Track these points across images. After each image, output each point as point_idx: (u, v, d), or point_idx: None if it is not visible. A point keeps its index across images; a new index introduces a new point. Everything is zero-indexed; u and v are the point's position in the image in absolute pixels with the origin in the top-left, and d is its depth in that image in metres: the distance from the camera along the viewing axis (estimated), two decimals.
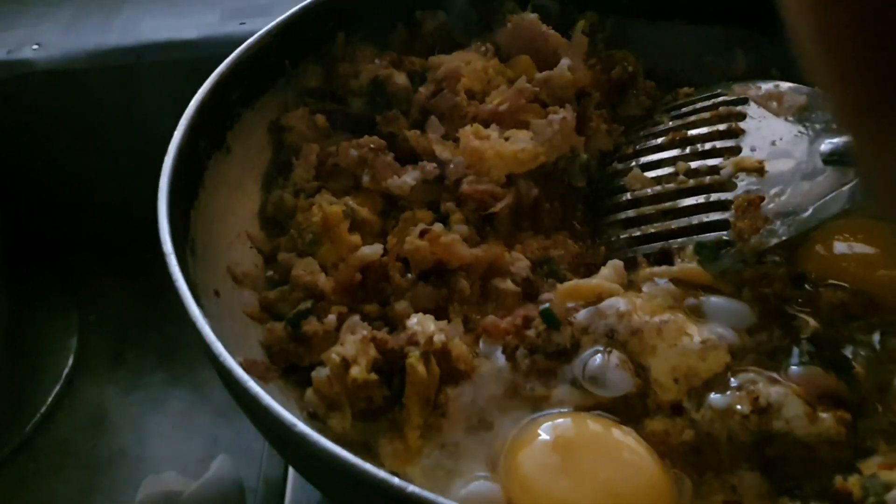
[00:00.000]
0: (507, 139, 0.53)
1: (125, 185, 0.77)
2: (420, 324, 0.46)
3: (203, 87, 0.49)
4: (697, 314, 0.46)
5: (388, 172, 0.53)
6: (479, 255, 0.50)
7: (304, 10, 0.55)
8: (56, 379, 0.74)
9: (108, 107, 0.74)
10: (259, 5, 0.74)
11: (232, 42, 0.69)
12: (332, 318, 0.47)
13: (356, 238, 0.51)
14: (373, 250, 0.50)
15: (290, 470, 0.60)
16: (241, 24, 0.72)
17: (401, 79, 0.57)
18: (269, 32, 0.53)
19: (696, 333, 0.44)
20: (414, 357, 0.44)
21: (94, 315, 0.79)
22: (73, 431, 0.71)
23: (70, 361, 0.75)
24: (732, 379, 0.43)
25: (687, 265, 0.47)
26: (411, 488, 0.31)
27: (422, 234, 0.50)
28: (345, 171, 0.54)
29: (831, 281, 0.48)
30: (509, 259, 0.51)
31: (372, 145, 0.54)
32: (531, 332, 0.46)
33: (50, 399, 0.72)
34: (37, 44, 0.74)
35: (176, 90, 0.71)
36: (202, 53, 0.71)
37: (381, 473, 0.31)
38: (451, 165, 0.53)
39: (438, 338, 0.45)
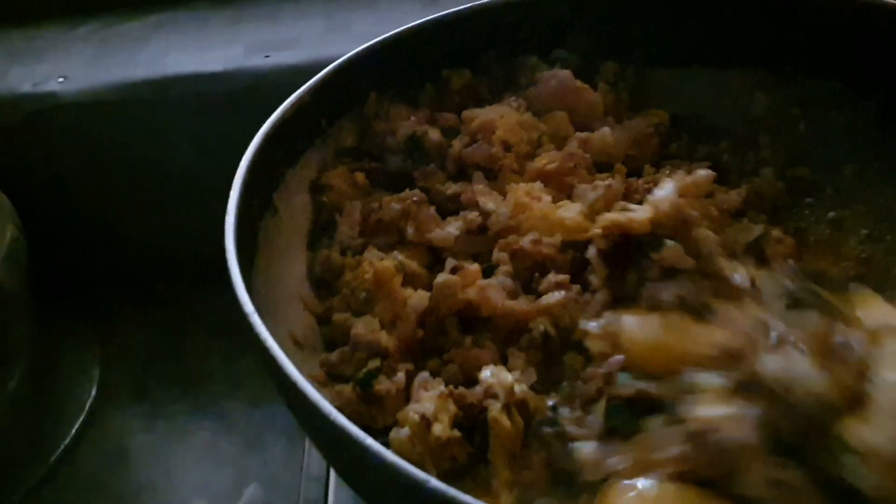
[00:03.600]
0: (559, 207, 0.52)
1: (149, 218, 0.76)
2: (495, 375, 0.44)
3: (251, 146, 0.47)
4: None
5: (431, 224, 0.53)
6: (514, 307, 0.47)
7: (337, 70, 0.55)
8: (79, 410, 0.72)
9: (134, 139, 0.73)
10: (283, 39, 0.75)
11: (257, 75, 0.71)
12: (400, 376, 0.46)
13: (410, 292, 0.50)
14: (420, 296, 0.48)
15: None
16: (266, 56, 0.72)
17: (435, 135, 0.57)
18: (306, 91, 0.53)
19: None
20: (496, 410, 0.43)
21: (117, 347, 0.78)
22: (98, 463, 0.68)
23: (93, 392, 0.74)
24: None
25: None
26: None
27: (453, 270, 0.49)
28: (389, 226, 0.53)
29: None
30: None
31: (415, 198, 0.53)
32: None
33: (73, 431, 0.70)
34: (63, 76, 0.74)
35: (201, 123, 0.72)
36: (227, 86, 0.71)
37: None
38: (495, 215, 0.52)
39: (519, 388, 0.43)
